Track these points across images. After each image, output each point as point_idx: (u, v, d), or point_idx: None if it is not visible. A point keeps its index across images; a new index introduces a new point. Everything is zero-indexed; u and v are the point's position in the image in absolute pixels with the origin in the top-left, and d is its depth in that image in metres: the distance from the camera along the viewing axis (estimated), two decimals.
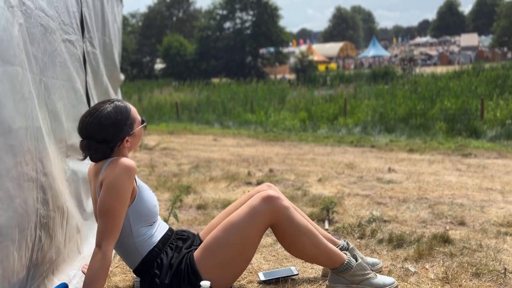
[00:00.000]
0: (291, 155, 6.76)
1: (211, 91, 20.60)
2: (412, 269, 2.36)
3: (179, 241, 2.07)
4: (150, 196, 1.98)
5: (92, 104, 3.52)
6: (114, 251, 2.00)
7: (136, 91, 21.91)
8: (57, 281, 1.97)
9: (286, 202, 2.01)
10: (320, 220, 3.28)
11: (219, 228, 1.97)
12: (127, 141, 1.91)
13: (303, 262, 2.51)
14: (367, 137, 8.85)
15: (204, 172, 5.38)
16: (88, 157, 1.93)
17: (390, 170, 5.33)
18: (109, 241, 1.75)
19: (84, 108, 3.16)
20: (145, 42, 44.63)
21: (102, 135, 1.85)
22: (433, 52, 45.67)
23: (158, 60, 45.88)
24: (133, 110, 1.96)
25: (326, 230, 3.05)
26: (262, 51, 39.55)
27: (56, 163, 2.15)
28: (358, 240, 2.89)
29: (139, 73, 43.77)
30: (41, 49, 2.04)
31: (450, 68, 24.06)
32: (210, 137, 9.55)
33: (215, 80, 31.78)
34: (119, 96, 5.51)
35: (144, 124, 2.01)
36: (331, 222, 3.25)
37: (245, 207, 1.97)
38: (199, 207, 3.81)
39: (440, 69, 25.59)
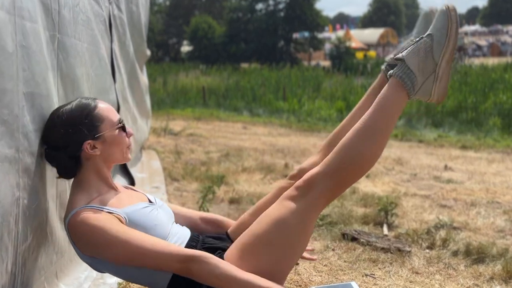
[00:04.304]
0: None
1: (240, 76, 20.31)
2: None
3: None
4: (145, 216, 1.60)
5: (117, 77, 3.22)
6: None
7: (161, 74, 21.78)
8: (63, 285, 1.68)
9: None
10: (377, 224, 2.92)
11: (257, 223, 1.58)
12: (91, 146, 1.55)
13: (363, 276, 2.15)
14: (412, 130, 8.40)
15: (236, 162, 5.07)
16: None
17: (446, 168, 4.92)
18: (158, 262, 1.45)
19: (109, 79, 2.84)
20: (172, 23, 44.60)
21: (53, 138, 1.54)
22: (482, 42, 44.09)
23: (185, 42, 45.84)
24: (102, 109, 1.59)
25: (385, 236, 2.69)
26: (296, 35, 38.97)
27: None
28: (427, 250, 2.52)
29: (165, 55, 43.85)
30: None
31: (502, 60, 23.08)
32: (239, 125, 9.25)
33: (245, 65, 31.52)
34: (144, 74, 5.23)
35: (121, 125, 1.62)
36: (390, 227, 2.89)
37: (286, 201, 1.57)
38: (232, 201, 3.49)
39: (492, 61, 24.57)
